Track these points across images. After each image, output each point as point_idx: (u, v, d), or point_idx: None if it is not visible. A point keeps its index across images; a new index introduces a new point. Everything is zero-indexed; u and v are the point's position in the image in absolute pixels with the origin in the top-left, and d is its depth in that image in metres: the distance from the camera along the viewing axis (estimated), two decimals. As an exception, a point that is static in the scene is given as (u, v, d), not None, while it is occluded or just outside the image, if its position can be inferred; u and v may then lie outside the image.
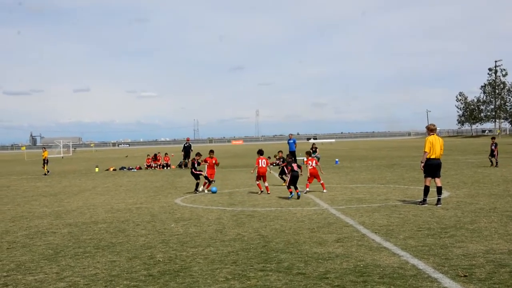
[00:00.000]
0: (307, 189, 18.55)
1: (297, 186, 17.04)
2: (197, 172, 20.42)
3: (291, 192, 16.91)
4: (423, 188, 14.43)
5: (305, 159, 19.33)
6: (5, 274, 8.41)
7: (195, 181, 20.55)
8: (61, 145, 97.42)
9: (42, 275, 8.27)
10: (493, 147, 28.80)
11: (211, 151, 21.83)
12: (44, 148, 41.81)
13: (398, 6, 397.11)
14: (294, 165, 17.46)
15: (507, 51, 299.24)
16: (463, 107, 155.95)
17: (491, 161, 28.77)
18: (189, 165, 36.92)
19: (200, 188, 20.22)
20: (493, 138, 30.05)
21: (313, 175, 18.63)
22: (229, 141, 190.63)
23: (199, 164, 21.12)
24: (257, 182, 19.21)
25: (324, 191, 18.34)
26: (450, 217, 12.03)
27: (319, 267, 8.01)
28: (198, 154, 21.34)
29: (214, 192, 19.53)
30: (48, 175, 35.62)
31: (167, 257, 9.12)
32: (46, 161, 37.49)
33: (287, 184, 17.66)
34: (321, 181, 18.67)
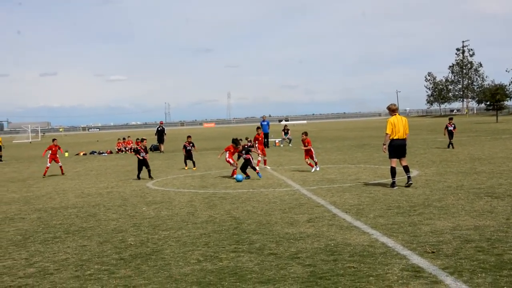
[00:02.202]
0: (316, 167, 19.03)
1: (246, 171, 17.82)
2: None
3: (247, 176, 17.61)
4: (387, 169, 14.45)
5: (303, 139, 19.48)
6: (-28, 261, 8.26)
7: (171, 165, 20.60)
8: (29, 130, 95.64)
9: (10, 261, 8.15)
10: (451, 128, 27.38)
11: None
12: None
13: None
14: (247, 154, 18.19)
15: (474, 31, 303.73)
16: (432, 87, 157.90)
17: (450, 144, 26.88)
18: (163, 149, 36.74)
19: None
20: (451, 118, 28.91)
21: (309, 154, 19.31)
22: (201, 124, 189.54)
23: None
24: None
25: (317, 168, 18.98)
26: (418, 195, 12.24)
27: (291, 247, 8.07)
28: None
29: (239, 181, 17.07)
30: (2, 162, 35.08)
31: (138, 241, 9.09)
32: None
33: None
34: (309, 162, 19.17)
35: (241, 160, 18.45)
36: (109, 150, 41.24)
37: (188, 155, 22.97)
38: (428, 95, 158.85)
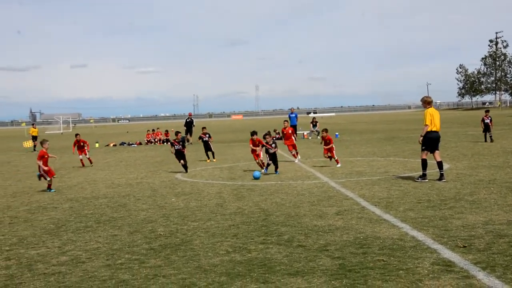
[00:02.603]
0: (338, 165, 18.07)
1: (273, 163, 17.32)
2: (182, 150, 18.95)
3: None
4: (417, 162, 14.26)
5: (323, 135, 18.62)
6: (7, 248, 8.47)
7: (200, 157, 20.06)
8: (61, 121, 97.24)
9: (44, 249, 8.33)
10: (488, 121, 26.61)
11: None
12: (34, 124, 42.42)
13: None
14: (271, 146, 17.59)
15: (508, 23, 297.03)
16: (464, 79, 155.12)
17: (487, 137, 26.33)
18: (191, 140, 36.98)
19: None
20: (487, 111, 28.22)
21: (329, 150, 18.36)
22: (229, 116, 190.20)
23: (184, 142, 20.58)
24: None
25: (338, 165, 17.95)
26: (449, 189, 12.06)
27: (320, 239, 8.05)
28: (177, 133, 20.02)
29: (256, 178, 15.79)
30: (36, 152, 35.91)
31: (168, 231, 9.18)
32: (34, 138, 38.10)
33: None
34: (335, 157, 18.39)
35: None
36: (138, 141, 41.70)
37: (207, 147, 23.01)
38: (459, 88, 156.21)
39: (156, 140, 40.88)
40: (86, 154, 23.60)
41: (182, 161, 18.70)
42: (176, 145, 19.00)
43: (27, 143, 38.86)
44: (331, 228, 8.74)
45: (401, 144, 27.37)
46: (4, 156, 33.00)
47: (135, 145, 39.55)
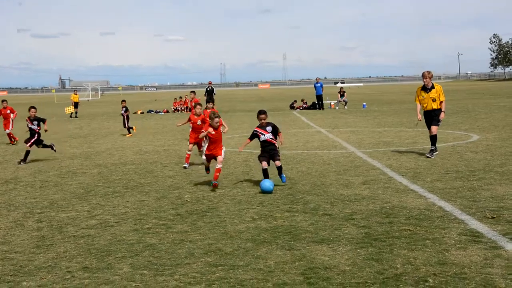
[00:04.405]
0: None
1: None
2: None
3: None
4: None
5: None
6: (39, 211, 8.67)
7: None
8: (90, 88, 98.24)
9: (74, 212, 8.50)
10: None
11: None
12: (76, 91, 42.81)
13: None
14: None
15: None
16: (497, 49, 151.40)
17: None
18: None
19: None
20: None
21: None
22: (255, 85, 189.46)
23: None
24: None
25: None
26: (479, 160, 11.87)
27: (345, 208, 8.04)
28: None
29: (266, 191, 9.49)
30: (72, 118, 36.41)
31: (194, 198, 9.27)
32: (76, 104, 38.60)
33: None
34: None
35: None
36: (165, 109, 41.93)
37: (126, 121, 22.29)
38: (492, 58, 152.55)
39: (183, 108, 41.04)
40: (9, 129, 20.30)
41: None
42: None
43: (69, 108, 39.35)
44: (357, 198, 8.71)
45: (430, 115, 26.93)
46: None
47: (162, 113, 39.81)
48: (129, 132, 21.93)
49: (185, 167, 12.64)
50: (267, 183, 9.44)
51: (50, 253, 6.43)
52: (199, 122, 13.13)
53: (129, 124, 22.43)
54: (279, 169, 10.10)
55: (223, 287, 5.13)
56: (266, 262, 5.79)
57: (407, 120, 24.08)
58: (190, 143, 13.16)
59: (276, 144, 10.21)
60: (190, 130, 13.38)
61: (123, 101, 24.12)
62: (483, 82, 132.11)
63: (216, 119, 10.16)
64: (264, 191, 9.34)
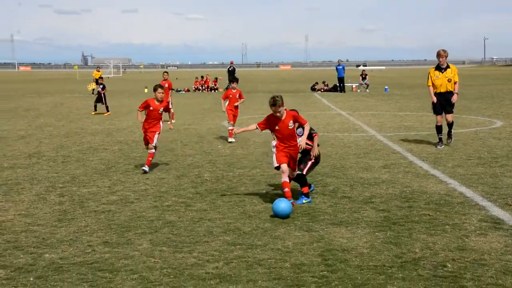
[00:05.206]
0: None
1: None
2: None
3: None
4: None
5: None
6: (61, 185, 8.80)
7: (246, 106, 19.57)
8: (112, 66, 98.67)
9: (95, 188, 8.61)
10: None
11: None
12: (99, 68, 43.15)
13: None
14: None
15: None
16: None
17: None
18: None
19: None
20: None
21: None
22: (277, 66, 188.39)
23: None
24: None
25: None
26: (502, 147, 11.72)
27: (365, 191, 8.02)
28: None
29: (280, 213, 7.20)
30: (95, 95, 36.66)
31: (214, 177, 9.31)
32: (97, 81, 38.85)
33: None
34: None
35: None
36: (186, 88, 42.00)
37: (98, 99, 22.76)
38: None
39: (204, 87, 41.08)
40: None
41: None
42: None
43: (91, 85, 39.71)
44: (377, 181, 8.68)
45: (453, 100, 26.58)
46: (58, 97, 33.89)
47: (183, 92, 39.90)
48: (107, 111, 22.10)
49: (230, 142, 13.32)
50: (283, 204, 6.80)
51: (71, 227, 6.54)
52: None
53: (107, 103, 22.67)
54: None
55: (241, 265, 5.17)
56: (284, 242, 5.81)
57: (429, 105, 23.79)
58: (230, 120, 13.92)
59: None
60: (227, 104, 14.08)
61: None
62: (510, 67, 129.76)
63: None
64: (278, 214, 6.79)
